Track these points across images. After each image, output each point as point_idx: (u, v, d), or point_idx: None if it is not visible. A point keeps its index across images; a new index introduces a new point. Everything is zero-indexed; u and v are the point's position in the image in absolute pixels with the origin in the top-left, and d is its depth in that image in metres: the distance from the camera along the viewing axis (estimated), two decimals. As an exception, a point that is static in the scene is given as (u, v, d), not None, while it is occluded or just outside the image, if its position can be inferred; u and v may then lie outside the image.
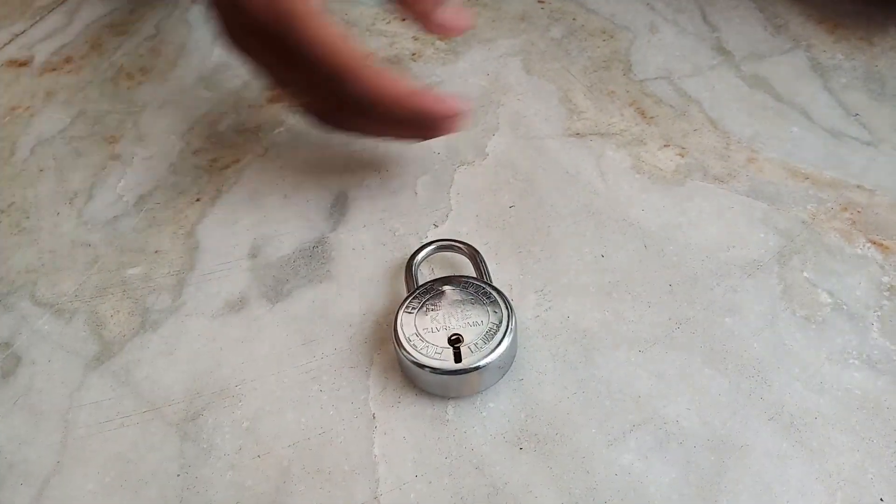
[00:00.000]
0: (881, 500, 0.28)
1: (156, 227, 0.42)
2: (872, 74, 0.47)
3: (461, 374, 0.32)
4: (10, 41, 0.58)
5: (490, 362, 0.32)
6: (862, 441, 0.30)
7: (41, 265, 0.41)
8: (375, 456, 0.32)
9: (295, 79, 0.36)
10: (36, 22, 0.60)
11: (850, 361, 0.33)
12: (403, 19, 0.55)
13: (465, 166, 0.44)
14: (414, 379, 0.33)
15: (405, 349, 0.32)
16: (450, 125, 0.36)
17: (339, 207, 0.42)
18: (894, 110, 0.44)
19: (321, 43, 0.32)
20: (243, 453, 0.32)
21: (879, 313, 0.34)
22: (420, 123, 0.36)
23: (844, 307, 0.35)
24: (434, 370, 0.32)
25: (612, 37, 0.52)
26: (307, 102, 0.37)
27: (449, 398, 0.33)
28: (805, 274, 0.36)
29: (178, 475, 0.32)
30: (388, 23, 0.55)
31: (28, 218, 0.44)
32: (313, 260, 0.40)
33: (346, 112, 0.36)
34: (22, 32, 0.59)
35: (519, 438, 0.32)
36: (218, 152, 0.46)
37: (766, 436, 0.31)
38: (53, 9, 0.61)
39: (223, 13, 0.34)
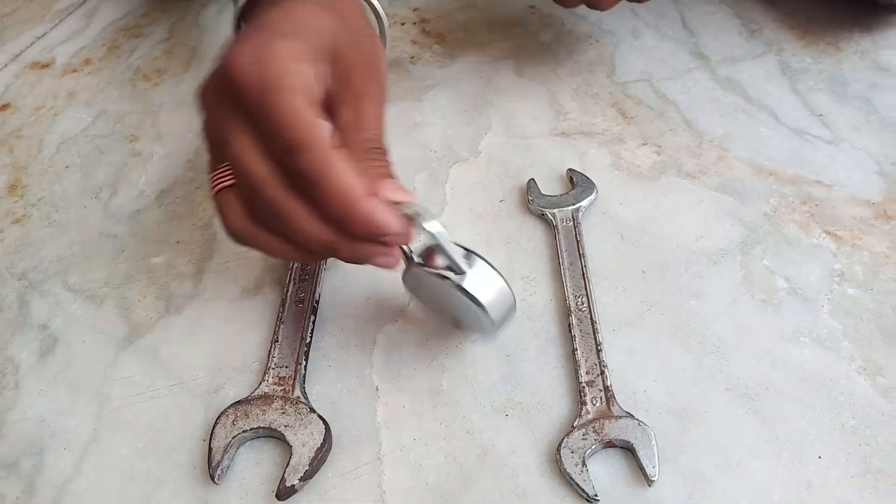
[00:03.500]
0: (819, 457, 0.32)
1: (176, 219, 0.46)
2: (837, 77, 0.50)
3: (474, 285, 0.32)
4: (31, 44, 0.62)
5: (501, 286, 0.32)
6: (806, 408, 0.34)
7: (72, 255, 0.45)
8: (378, 423, 0.36)
9: (237, 155, 0.31)
10: (56, 25, 0.64)
11: (802, 339, 0.37)
12: (402, 24, 0.59)
13: (459, 163, 0.48)
14: (428, 297, 0.35)
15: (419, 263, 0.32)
16: (374, 250, 0.32)
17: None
18: (855, 111, 0.48)
19: (290, 114, 0.29)
20: (261, 421, 0.36)
21: (830, 296, 0.38)
22: (348, 225, 0.30)
23: (799, 291, 0.39)
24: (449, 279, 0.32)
25: (597, 41, 0.55)
26: (229, 192, 0.32)
27: (455, 328, 0.37)
28: (765, 262, 0.40)
29: (204, 440, 0.36)
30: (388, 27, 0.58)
31: (57, 211, 0.48)
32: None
33: (271, 209, 0.31)
34: (43, 35, 0.63)
35: (505, 407, 0.36)
36: (231, 150, 0.50)
37: (723, 404, 0.35)
38: (71, 12, 0.65)
39: (211, 76, 0.31)
